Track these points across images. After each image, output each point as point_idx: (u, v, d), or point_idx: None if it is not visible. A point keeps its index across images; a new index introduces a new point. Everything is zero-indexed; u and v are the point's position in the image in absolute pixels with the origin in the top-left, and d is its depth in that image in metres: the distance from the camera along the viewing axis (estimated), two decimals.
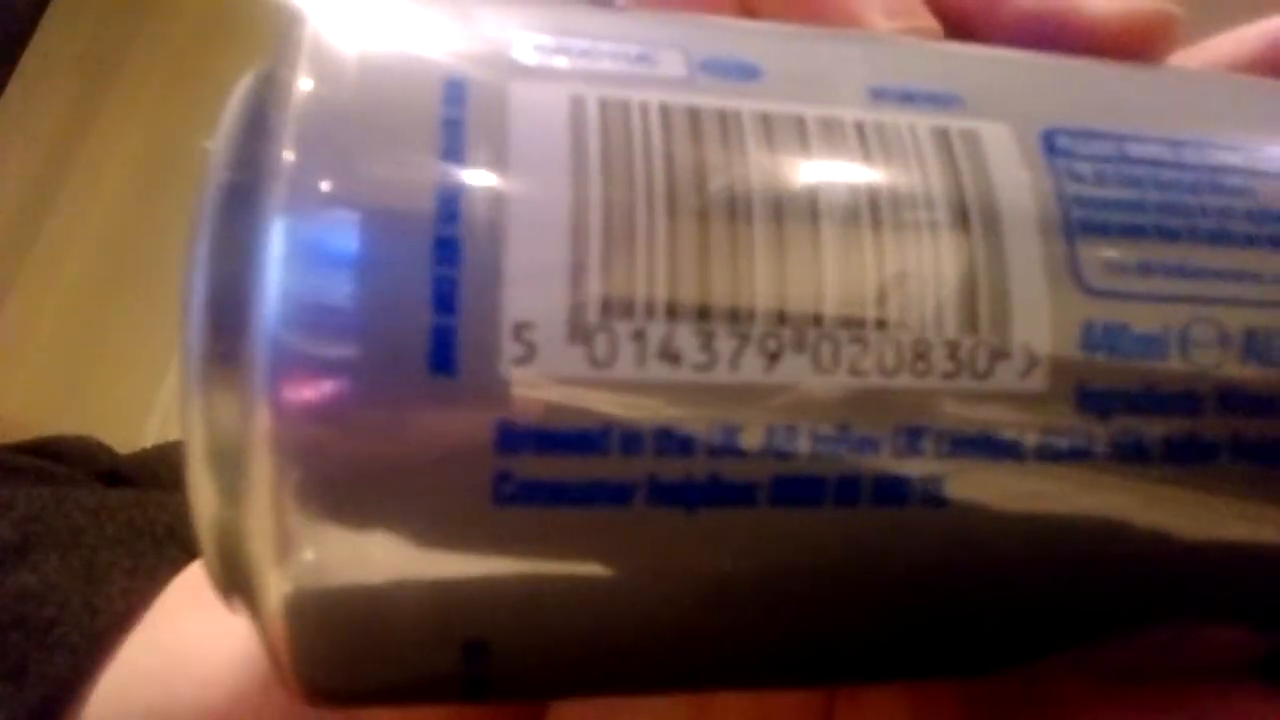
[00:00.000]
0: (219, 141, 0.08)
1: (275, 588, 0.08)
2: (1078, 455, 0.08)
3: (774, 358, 0.08)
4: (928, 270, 0.08)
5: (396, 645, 0.08)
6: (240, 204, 0.08)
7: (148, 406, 0.99)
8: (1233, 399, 0.08)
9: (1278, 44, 0.12)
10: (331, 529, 0.07)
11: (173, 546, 0.23)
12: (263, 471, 0.07)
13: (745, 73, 0.09)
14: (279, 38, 0.09)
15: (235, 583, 0.08)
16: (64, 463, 0.30)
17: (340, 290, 0.07)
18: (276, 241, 0.07)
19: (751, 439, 0.08)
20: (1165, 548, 0.09)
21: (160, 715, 0.17)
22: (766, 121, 0.08)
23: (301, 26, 0.08)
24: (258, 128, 0.08)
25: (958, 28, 0.13)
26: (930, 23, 0.12)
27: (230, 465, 0.08)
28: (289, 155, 0.07)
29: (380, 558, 0.07)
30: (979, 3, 0.12)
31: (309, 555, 0.07)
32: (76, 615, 0.21)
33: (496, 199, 0.07)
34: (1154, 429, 0.08)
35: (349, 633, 0.08)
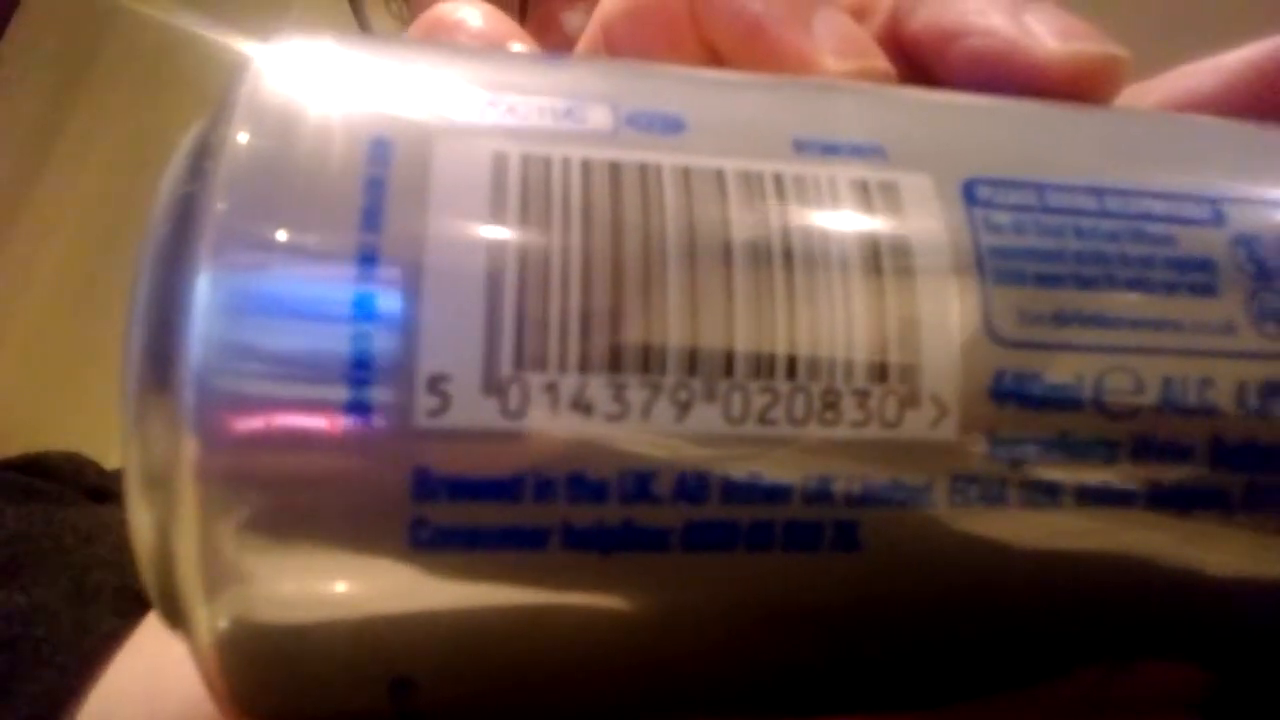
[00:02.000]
0: (163, 188, 0.09)
1: (205, 622, 0.08)
2: (990, 501, 0.08)
3: (685, 407, 0.08)
4: (838, 321, 0.08)
5: (325, 680, 0.08)
6: (175, 249, 0.08)
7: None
8: (1149, 447, 0.09)
9: (1254, 70, 0.12)
10: (256, 567, 0.08)
11: None
12: (190, 507, 0.08)
13: (669, 126, 0.09)
14: (223, 90, 0.09)
15: (174, 614, 0.09)
16: (52, 479, 0.30)
17: (263, 338, 0.07)
18: (204, 286, 0.08)
19: (663, 486, 0.08)
20: (1085, 587, 0.09)
21: None
22: (686, 175, 0.08)
23: (241, 79, 0.09)
24: (195, 176, 0.08)
25: (911, 69, 0.13)
26: (883, 64, 0.12)
27: (163, 501, 0.08)
28: (220, 204, 0.08)
29: (305, 595, 0.08)
30: (931, 44, 0.12)
31: (236, 592, 0.08)
32: (65, 635, 0.21)
33: (414, 255, 0.08)
34: (1068, 476, 0.08)
35: (278, 666, 0.08)
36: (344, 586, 0.08)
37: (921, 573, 0.08)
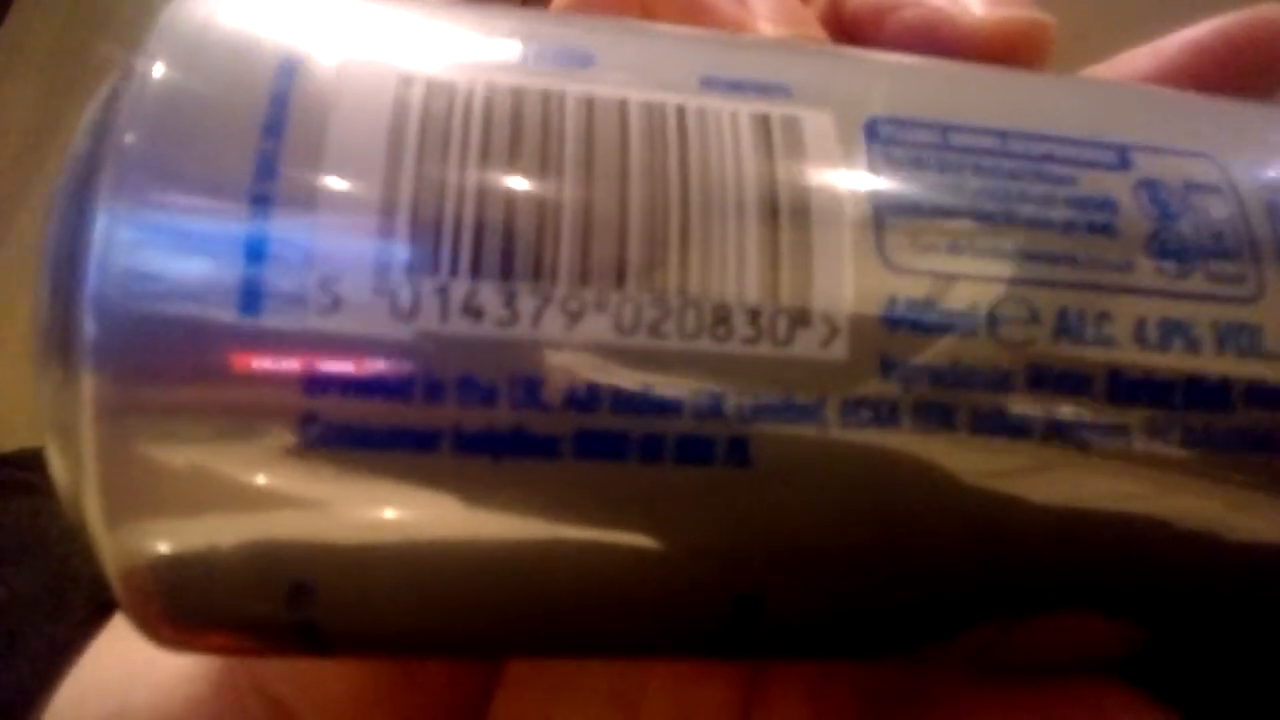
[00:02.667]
0: (83, 122, 0.09)
1: (110, 549, 0.08)
2: (881, 424, 0.08)
3: (575, 316, 0.08)
4: (732, 242, 0.08)
5: (228, 592, 0.09)
6: (85, 176, 0.08)
7: None
8: (1044, 378, 0.09)
9: (1193, 51, 0.13)
10: (154, 478, 0.08)
11: None
12: (90, 437, 0.08)
13: (579, 60, 0.09)
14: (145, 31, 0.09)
15: (87, 542, 0.09)
16: (39, 472, 0.31)
17: (162, 245, 0.08)
18: (106, 191, 0.08)
19: (554, 394, 0.08)
20: (979, 522, 0.09)
21: None
22: (589, 103, 0.09)
23: (160, 16, 0.09)
24: (104, 111, 0.09)
25: (850, 40, 0.13)
26: (818, 33, 0.13)
27: (68, 436, 0.08)
28: (125, 129, 0.08)
29: (203, 508, 0.08)
30: (868, 19, 0.13)
31: (136, 515, 0.08)
32: (39, 625, 0.21)
33: (312, 160, 0.08)
34: (960, 400, 0.09)
35: (183, 585, 0.08)
36: (240, 493, 0.08)
37: (812, 494, 0.09)
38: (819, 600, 0.09)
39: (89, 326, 0.08)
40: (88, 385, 0.08)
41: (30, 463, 0.31)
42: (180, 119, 0.08)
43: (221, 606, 0.09)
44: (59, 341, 0.08)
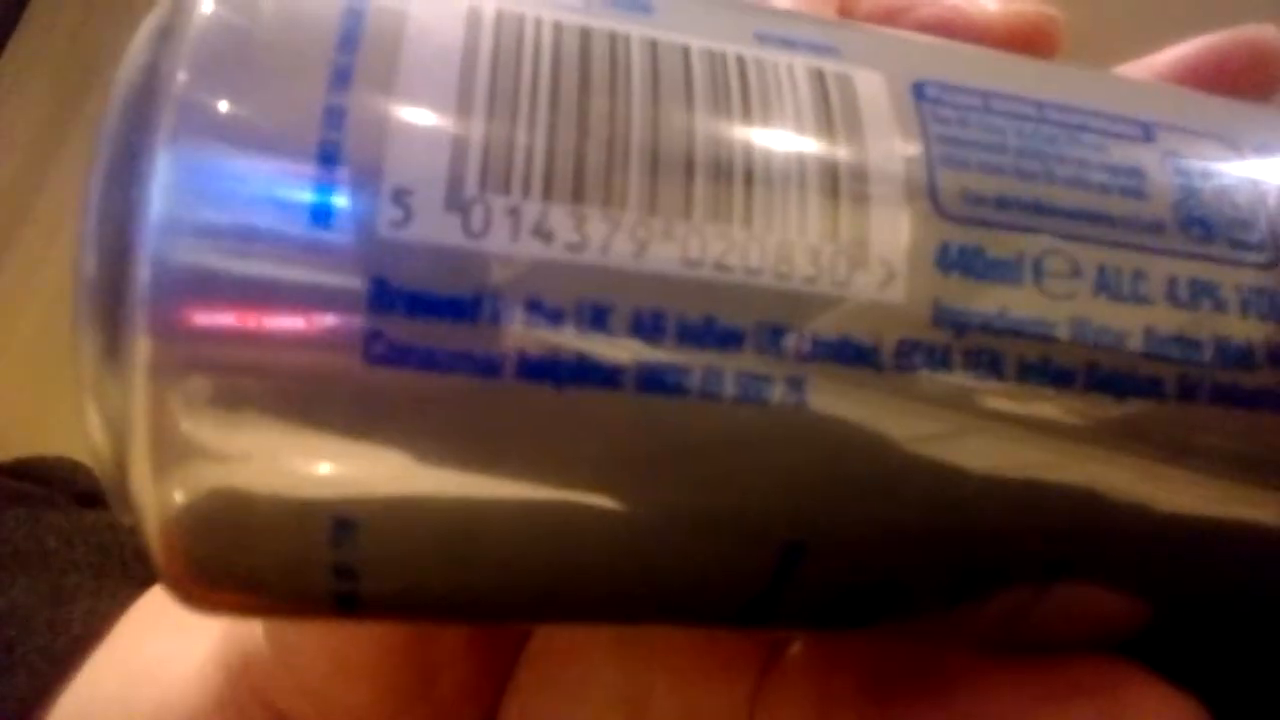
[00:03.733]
0: (124, 66, 0.09)
1: (153, 497, 0.08)
2: (933, 367, 0.09)
3: (643, 245, 0.08)
4: (793, 181, 0.08)
5: (271, 532, 0.08)
6: (135, 121, 0.08)
7: None
8: (1086, 329, 0.09)
9: (1184, 67, 0.13)
10: (206, 408, 0.08)
11: (140, 568, 0.23)
12: (144, 375, 0.07)
13: (639, 7, 0.09)
14: None
15: (123, 483, 0.09)
16: (43, 483, 0.30)
17: (229, 151, 0.08)
18: (162, 138, 0.08)
19: (618, 321, 0.08)
20: (1021, 473, 0.09)
21: None
22: (654, 46, 0.09)
23: None
24: (156, 50, 0.08)
25: None
26: (832, 16, 0.13)
27: (117, 380, 0.08)
28: (180, 66, 0.08)
29: (254, 436, 0.08)
30: (884, 16, 0.13)
31: (183, 449, 0.08)
32: (39, 636, 0.21)
33: (387, 74, 0.08)
34: (1009, 348, 0.09)
35: (226, 526, 0.08)
36: (295, 418, 0.08)
37: (864, 435, 0.09)
38: (860, 550, 0.09)
39: (150, 229, 0.07)
40: (141, 315, 0.07)
41: (26, 473, 0.30)
42: (242, 50, 0.08)
43: (262, 550, 0.08)
44: (110, 283, 0.08)
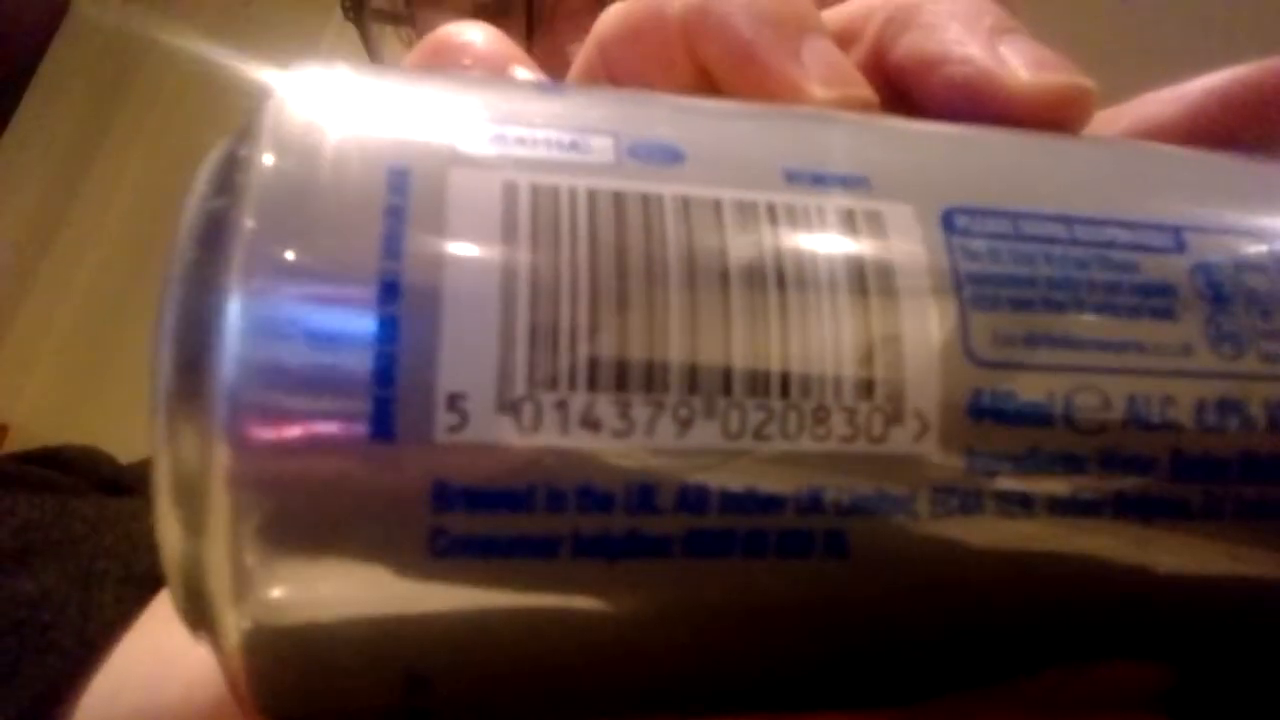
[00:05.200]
0: (189, 205, 0.09)
1: (233, 624, 0.08)
2: (968, 511, 0.09)
3: (686, 424, 0.08)
4: (828, 343, 0.09)
5: (345, 679, 0.09)
6: (205, 262, 0.09)
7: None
8: (1114, 460, 0.09)
9: (1215, 98, 0.13)
10: (284, 568, 0.08)
11: None
12: (221, 513, 0.08)
13: (669, 156, 0.09)
14: (246, 114, 0.09)
15: (198, 617, 0.09)
16: (68, 471, 0.31)
17: (291, 357, 0.08)
18: (234, 305, 0.08)
19: (666, 497, 0.08)
20: (1055, 591, 0.10)
21: (147, 716, 0.18)
22: (686, 204, 0.09)
23: (265, 105, 0.09)
24: (222, 195, 0.09)
25: (893, 94, 0.13)
26: (866, 93, 0.13)
27: (193, 508, 0.08)
28: (249, 223, 0.08)
29: (328, 599, 0.08)
30: (913, 72, 0.13)
31: (263, 595, 0.08)
32: (70, 620, 0.22)
33: (433, 281, 0.08)
34: (1039, 488, 0.09)
35: (300, 667, 0.09)
36: (365, 591, 0.08)
37: (904, 578, 0.09)
38: (899, 664, 0.10)
39: (223, 413, 0.08)
40: (221, 466, 0.08)
41: (52, 461, 0.31)
42: (302, 219, 0.08)
43: (334, 690, 0.09)
44: (186, 419, 0.08)
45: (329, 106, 0.09)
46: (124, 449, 0.35)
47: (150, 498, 0.09)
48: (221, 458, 0.08)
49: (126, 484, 0.32)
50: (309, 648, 0.09)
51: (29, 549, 0.25)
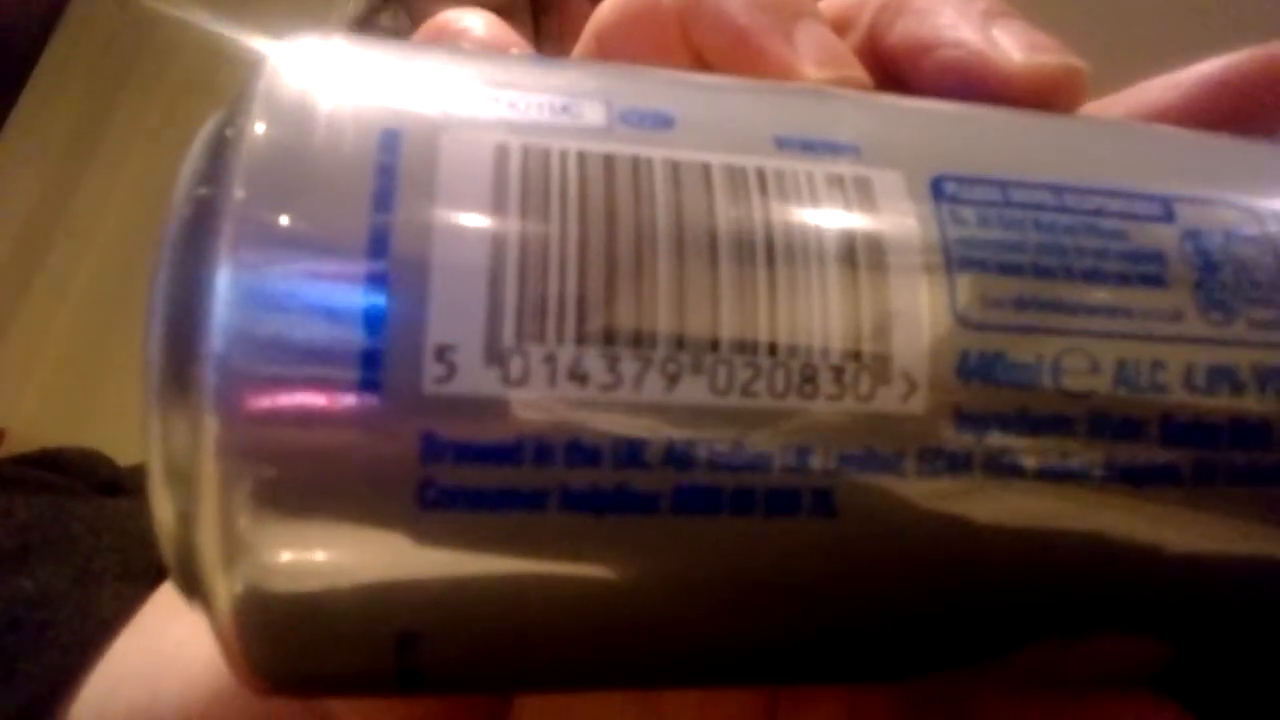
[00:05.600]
0: (181, 178, 0.09)
1: (224, 589, 0.08)
2: (956, 472, 0.09)
3: (674, 379, 0.08)
4: (816, 307, 0.09)
5: (336, 638, 0.09)
6: (195, 235, 0.09)
7: None
8: (1104, 425, 0.09)
9: (1210, 85, 0.13)
10: (274, 533, 0.08)
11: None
12: (211, 481, 0.08)
13: (660, 122, 0.09)
14: (239, 86, 0.10)
15: (192, 585, 0.09)
16: (66, 473, 0.31)
17: (281, 314, 0.08)
18: (225, 269, 0.08)
19: (653, 453, 0.08)
20: (1046, 559, 0.10)
21: (144, 712, 0.18)
22: (675, 168, 0.09)
23: (258, 75, 0.09)
24: (214, 165, 0.09)
25: (888, 79, 0.14)
26: (859, 74, 0.13)
27: (184, 478, 0.08)
28: (238, 192, 0.08)
29: (319, 558, 0.08)
30: (906, 55, 0.13)
31: (253, 558, 0.08)
32: (68, 619, 0.22)
33: (422, 236, 0.08)
34: (1028, 450, 0.09)
35: (292, 628, 0.09)
36: (356, 548, 0.08)
37: (893, 540, 0.09)
38: (890, 635, 0.10)
39: (213, 382, 0.08)
40: (210, 435, 0.08)
41: (49, 463, 0.31)
42: (293, 184, 0.08)
43: (326, 651, 0.09)
44: (176, 390, 0.08)
45: (322, 73, 0.09)
46: (122, 453, 0.35)
47: (144, 470, 0.09)
48: (211, 426, 0.08)
49: (124, 485, 0.32)
50: (300, 608, 0.09)
51: (27, 548, 0.25)
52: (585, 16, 0.27)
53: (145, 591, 0.22)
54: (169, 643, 0.20)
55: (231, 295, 0.08)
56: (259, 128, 0.09)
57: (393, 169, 0.08)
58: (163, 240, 0.09)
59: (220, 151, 0.09)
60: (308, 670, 0.09)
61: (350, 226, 0.08)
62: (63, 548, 0.25)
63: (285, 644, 0.09)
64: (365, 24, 0.34)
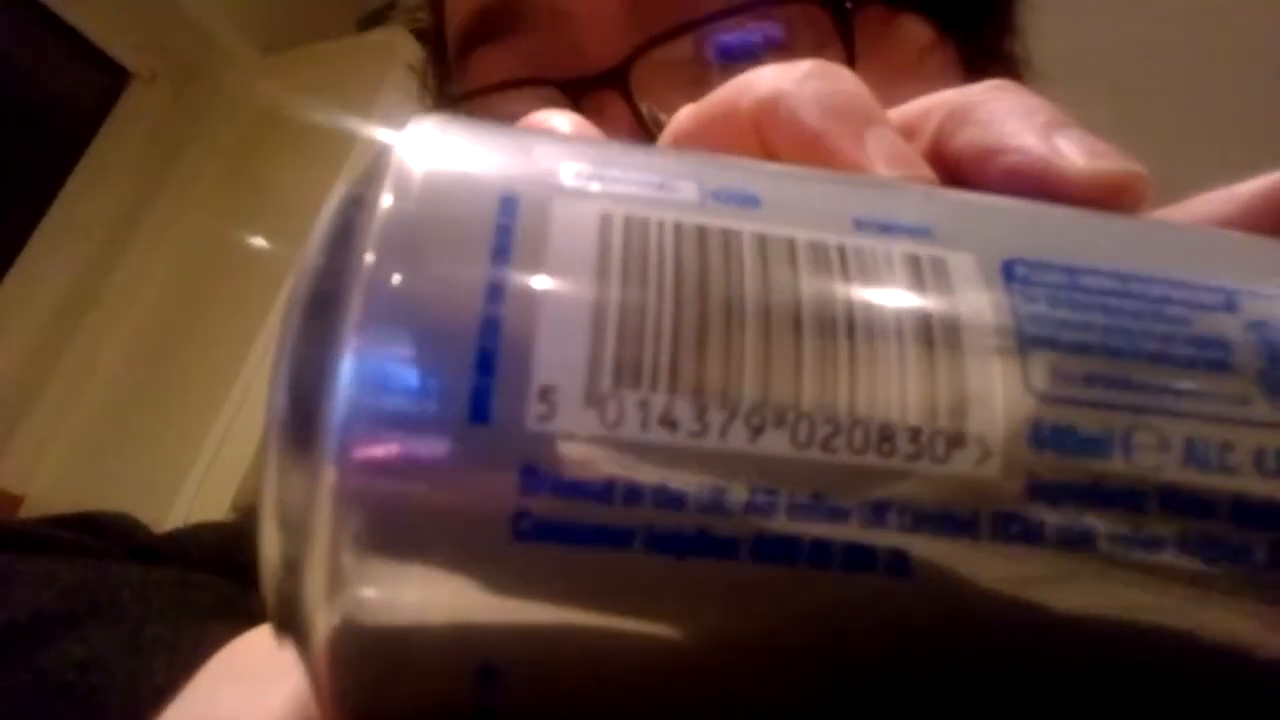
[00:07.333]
0: (314, 242, 0.10)
1: (322, 622, 0.09)
2: (1029, 539, 0.09)
3: (758, 431, 0.09)
4: (893, 373, 0.09)
5: (420, 670, 0.09)
6: (326, 292, 0.10)
7: (173, 493, 1.03)
8: (1175, 501, 0.09)
9: (1269, 198, 0.14)
10: (376, 566, 0.09)
11: (215, 623, 0.24)
12: (323, 523, 0.09)
13: (747, 200, 0.10)
14: (368, 163, 0.11)
15: (287, 622, 0.10)
16: (102, 537, 0.31)
17: (402, 363, 0.09)
18: (354, 323, 0.09)
19: (735, 500, 0.09)
20: (1120, 637, 0.10)
21: None
22: (763, 241, 0.10)
23: (388, 154, 0.10)
24: (346, 232, 0.10)
25: (953, 182, 0.14)
26: (927, 173, 0.14)
27: (296, 520, 0.09)
28: (370, 255, 0.09)
29: (414, 589, 0.09)
30: (972, 161, 0.14)
31: (353, 592, 0.09)
32: (119, 686, 0.22)
33: (535, 286, 0.09)
34: (1099, 520, 0.09)
35: (381, 659, 0.09)
36: (450, 579, 0.09)
37: (966, 605, 0.09)
38: (954, 698, 0.10)
39: (334, 430, 0.09)
40: (327, 482, 0.09)
41: (83, 525, 0.32)
42: (419, 244, 0.09)
43: (411, 682, 0.09)
44: (298, 437, 0.09)
45: (445, 149, 0.10)
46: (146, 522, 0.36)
47: (255, 522, 0.10)
48: (329, 473, 0.09)
49: (161, 552, 0.32)
50: (391, 640, 0.09)
51: (74, 613, 0.25)
52: (622, 118, 0.29)
53: (196, 660, 0.22)
54: (218, 712, 0.20)
55: (358, 346, 0.09)
56: (388, 198, 0.10)
57: (510, 229, 0.09)
58: (294, 296, 0.10)
59: (353, 219, 0.10)
60: (391, 701, 0.10)
61: (470, 277, 0.09)
62: (111, 614, 0.25)
63: (373, 674, 0.09)
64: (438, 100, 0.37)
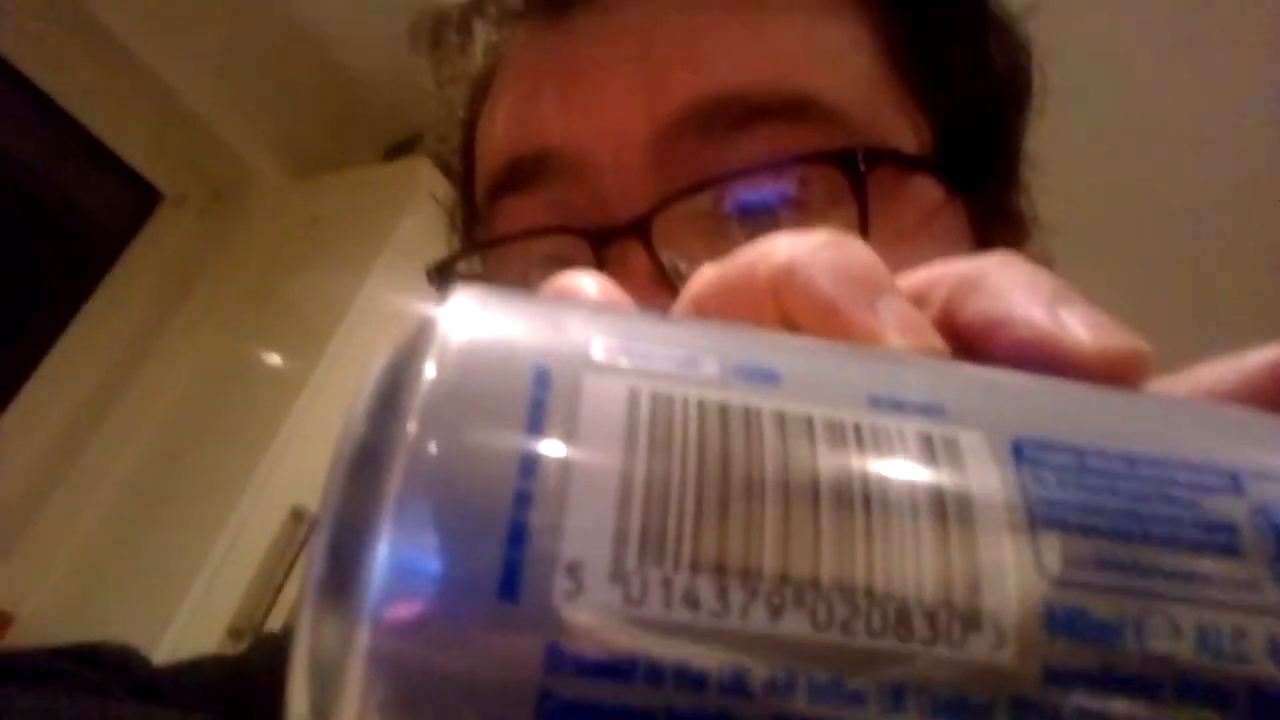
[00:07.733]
0: (356, 410, 0.11)
1: None
2: None
3: (778, 611, 0.09)
4: (909, 550, 0.10)
5: None
6: (369, 460, 0.10)
7: (168, 616, 1.00)
8: (1191, 689, 0.10)
9: (1269, 369, 0.14)
10: None
11: None
12: (354, 682, 0.09)
13: (768, 377, 0.11)
14: (412, 334, 0.11)
15: None
16: (100, 669, 0.31)
17: (437, 530, 0.09)
18: (394, 492, 0.09)
19: (756, 682, 0.09)
20: None
21: None
22: (782, 418, 0.10)
23: (432, 325, 0.11)
24: (390, 402, 0.10)
25: (961, 350, 0.15)
26: (938, 342, 0.14)
27: (326, 675, 0.09)
28: (411, 425, 0.10)
29: None
30: (980, 331, 0.15)
31: None
32: None
33: (565, 464, 0.09)
34: (1116, 708, 0.09)
35: None
36: None
37: None
38: None
39: (369, 595, 0.09)
40: (360, 643, 0.09)
41: (83, 657, 0.31)
42: (457, 417, 0.10)
43: None
44: (334, 597, 0.09)
45: (483, 321, 0.11)
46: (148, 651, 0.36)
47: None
48: (363, 635, 0.09)
49: (160, 688, 0.32)
50: None
51: None
52: (643, 267, 0.30)
53: None
54: None
55: (398, 514, 0.09)
56: (430, 369, 0.10)
57: (543, 404, 0.10)
58: (340, 455, 0.10)
59: (398, 386, 0.10)
60: None
61: (505, 450, 0.09)
62: None
63: None
64: (443, 269, 0.38)
